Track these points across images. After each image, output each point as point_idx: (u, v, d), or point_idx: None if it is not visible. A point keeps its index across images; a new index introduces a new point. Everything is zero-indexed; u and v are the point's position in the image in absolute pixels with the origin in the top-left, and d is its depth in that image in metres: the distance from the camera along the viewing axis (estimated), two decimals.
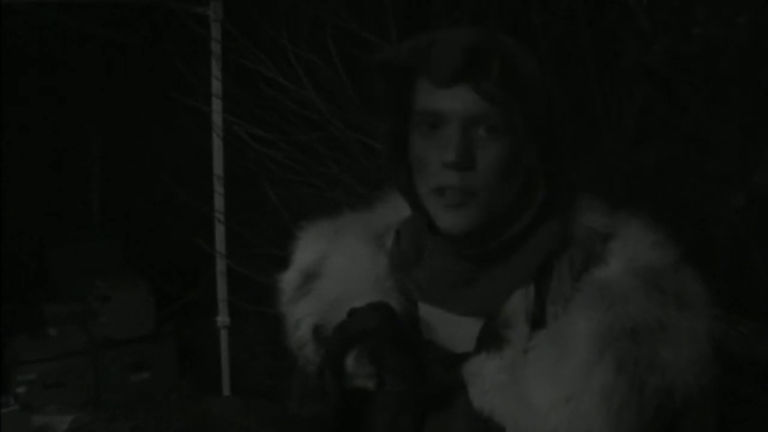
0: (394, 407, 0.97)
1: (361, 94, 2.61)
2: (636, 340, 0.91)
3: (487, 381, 0.93)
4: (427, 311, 1.01)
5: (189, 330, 4.02)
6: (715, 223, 2.20)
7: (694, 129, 2.23)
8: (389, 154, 1.02)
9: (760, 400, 1.86)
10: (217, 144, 3.15)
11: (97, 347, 3.83)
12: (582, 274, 0.96)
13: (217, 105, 3.09)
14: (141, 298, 3.90)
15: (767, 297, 2.11)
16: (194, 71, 2.94)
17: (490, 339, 0.95)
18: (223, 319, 3.30)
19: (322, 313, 1.04)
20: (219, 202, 3.19)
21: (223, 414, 3.21)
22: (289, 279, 1.10)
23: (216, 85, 3.07)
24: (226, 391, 3.38)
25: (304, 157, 2.72)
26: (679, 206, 2.16)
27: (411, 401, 0.96)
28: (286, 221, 2.49)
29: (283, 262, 1.12)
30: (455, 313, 0.99)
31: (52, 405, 3.57)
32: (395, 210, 1.09)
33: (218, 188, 3.17)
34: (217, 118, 3.10)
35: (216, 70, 3.06)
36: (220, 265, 3.22)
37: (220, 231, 3.20)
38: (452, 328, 0.99)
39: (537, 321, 0.95)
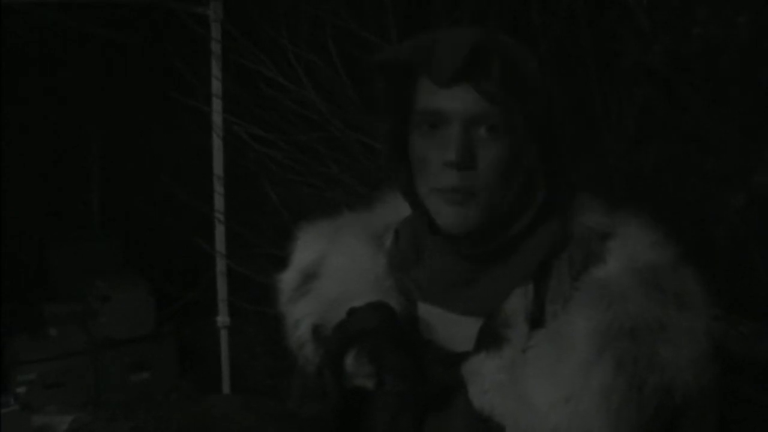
0: (394, 407, 0.97)
1: (361, 94, 2.61)
2: (635, 339, 0.91)
3: (486, 380, 0.94)
4: (426, 311, 1.01)
5: (189, 330, 4.02)
6: (715, 223, 2.20)
7: (694, 129, 2.23)
8: (389, 154, 1.02)
9: (760, 400, 1.85)
10: (217, 144, 3.14)
11: (97, 347, 3.83)
12: (581, 273, 0.96)
13: (217, 105, 3.09)
14: (141, 298, 3.90)
15: (767, 297, 2.11)
16: (194, 71, 2.94)
17: (490, 338, 0.95)
18: (223, 319, 3.30)
19: (322, 313, 1.04)
20: (219, 202, 3.18)
21: (224, 412, 3.21)
22: (288, 279, 1.10)
23: (216, 85, 3.07)
24: (226, 391, 3.37)
25: (304, 157, 2.72)
26: (679, 206, 2.16)
27: (411, 401, 0.96)
28: (286, 221, 2.49)
29: (282, 262, 1.13)
30: (455, 313, 0.99)
31: (52, 405, 3.56)
32: (394, 210, 1.09)
33: (218, 188, 3.17)
34: (217, 118, 3.10)
35: (216, 70, 3.06)
36: (220, 265, 3.21)
37: (220, 231, 3.19)
38: (452, 328, 0.99)
39: (536, 320, 0.95)
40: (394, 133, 1.00)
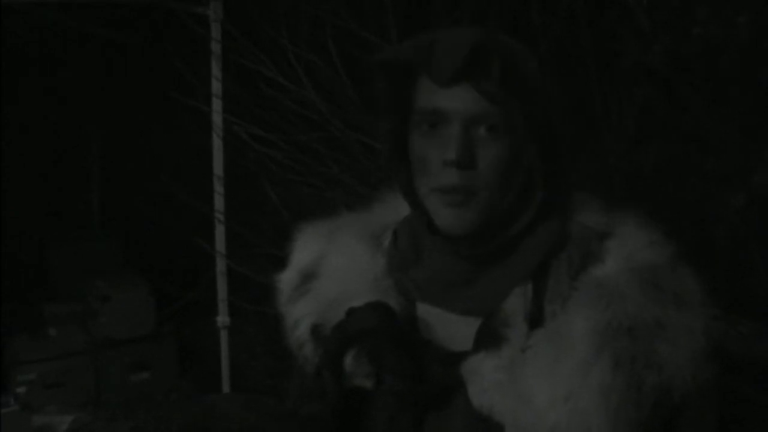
0: (393, 406, 0.97)
1: (361, 94, 2.62)
2: (634, 338, 0.91)
3: (485, 379, 0.93)
4: (425, 311, 1.01)
5: (189, 330, 4.02)
6: (715, 223, 2.20)
7: (694, 129, 2.23)
8: (389, 154, 1.02)
9: (760, 400, 1.86)
10: (217, 144, 3.15)
11: (97, 347, 3.83)
12: (579, 272, 0.96)
13: (217, 105, 3.09)
14: (141, 298, 3.91)
15: (767, 297, 2.11)
16: (194, 71, 2.94)
17: (489, 338, 0.95)
18: (223, 319, 3.30)
19: (321, 313, 1.04)
20: (219, 202, 3.19)
21: (224, 412, 3.21)
22: (287, 279, 1.10)
23: (216, 85, 3.07)
24: (226, 391, 3.38)
25: (304, 157, 2.73)
26: (679, 206, 2.16)
27: (410, 400, 0.96)
28: (286, 221, 2.49)
29: (282, 262, 1.13)
30: (454, 313, 0.99)
31: (52, 405, 3.57)
32: (393, 210, 1.09)
33: (218, 188, 3.17)
34: (217, 118, 3.10)
35: (216, 70, 3.06)
36: (220, 265, 3.22)
37: (220, 231, 3.20)
38: (451, 328, 0.99)
39: (535, 320, 0.95)
40: (394, 133, 1.00)
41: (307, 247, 1.10)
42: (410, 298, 1.02)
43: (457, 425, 0.96)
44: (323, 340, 1.02)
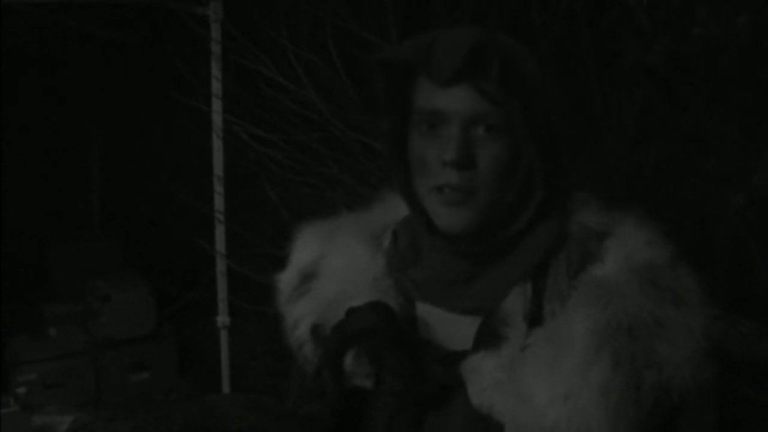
0: (393, 406, 0.97)
1: (361, 94, 2.62)
2: (633, 337, 0.91)
3: (485, 378, 0.94)
4: (425, 310, 1.01)
5: (189, 330, 4.02)
6: (715, 223, 2.20)
7: (694, 129, 2.23)
8: (389, 154, 1.02)
9: (760, 400, 1.85)
10: (217, 144, 3.15)
11: (97, 347, 3.83)
12: (578, 272, 0.96)
13: (217, 105, 3.09)
14: (141, 298, 3.90)
15: (767, 297, 2.11)
16: (194, 71, 2.94)
17: (488, 337, 0.95)
18: (223, 319, 3.30)
19: (321, 313, 1.04)
20: (219, 202, 3.19)
21: (224, 412, 3.21)
22: (287, 279, 1.10)
23: (216, 85, 3.07)
24: (226, 391, 3.37)
25: (304, 157, 2.73)
26: (679, 206, 2.16)
27: (410, 400, 0.96)
28: (286, 221, 2.49)
29: (282, 262, 1.13)
30: (453, 312, 0.99)
31: (52, 405, 3.56)
32: (393, 210, 1.09)
33: (218, 188, 3.17)
34: (217, 118, 3.10)
35: (216, 70, 3.06)
36: (220, 265, 3.21)
37: (220, 231, 3.20)
38: (450, 327, 0.99)
39: (534, 319, 0.95)
40: (394, 133, 1.00)
41: (307, 247, 1.10)
42: (410, 297, 1.02)
43: (456, 425, 0.96)
44: (323, 340, 1.02)
